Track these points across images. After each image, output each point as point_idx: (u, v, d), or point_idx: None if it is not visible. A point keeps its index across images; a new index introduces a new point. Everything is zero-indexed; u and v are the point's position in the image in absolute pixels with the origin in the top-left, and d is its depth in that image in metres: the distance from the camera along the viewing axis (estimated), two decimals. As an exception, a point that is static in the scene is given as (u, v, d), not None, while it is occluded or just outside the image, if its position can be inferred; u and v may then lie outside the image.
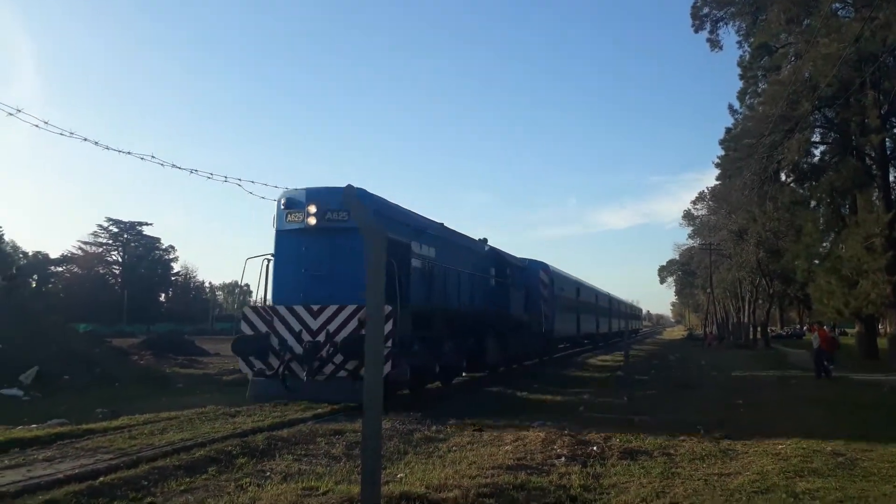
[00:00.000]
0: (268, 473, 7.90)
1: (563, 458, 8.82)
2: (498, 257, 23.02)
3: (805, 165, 38.28)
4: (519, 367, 26.37)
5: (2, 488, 6.98)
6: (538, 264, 28.43)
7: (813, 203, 40.74)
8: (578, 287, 38.71)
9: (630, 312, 71.83)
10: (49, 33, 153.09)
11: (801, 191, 40.99)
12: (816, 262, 36.96)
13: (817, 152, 39.32)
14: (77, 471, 7.89)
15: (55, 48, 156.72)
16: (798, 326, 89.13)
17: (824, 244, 38.54)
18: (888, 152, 33.22)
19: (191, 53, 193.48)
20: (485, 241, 22.12)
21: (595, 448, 9.53)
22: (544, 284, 27.94)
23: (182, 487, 7.12)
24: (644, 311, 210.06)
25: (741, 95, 43.52)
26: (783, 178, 40.19)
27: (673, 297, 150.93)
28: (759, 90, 40.31)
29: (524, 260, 27.29)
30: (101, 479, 7.38)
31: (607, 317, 52.88)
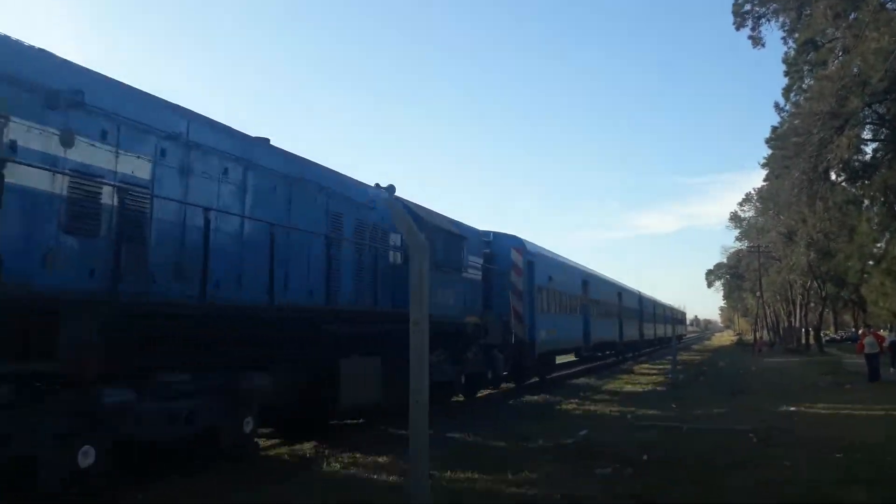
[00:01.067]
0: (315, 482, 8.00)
1: (608, 468, 8.74)
2: (416, 220, 12.56)
3: (856, 163, 37.17)
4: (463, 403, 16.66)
5: None
6: (508, 240, 19.97)
7: (866, 202, 39.54)
8: (586, 280, 29.47)
9: (670, 316, 62.26)
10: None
11: (853, 190, 39.79)
12: (871, 262, 35.84)
13: (869, 149, 38.15)
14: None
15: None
16: (853, 330, 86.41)
17: (878, 244, 37.38)
18: (944, 148, 32.02)
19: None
20: (390, 189, 13.06)
21: (645, 457, 9.40)
22: (517, 270, 19.53)
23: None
24: (692, 317, 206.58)
25: (786, 92, 42.60)
26: (833, 176, 39.04)
27: (721, 302, 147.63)
28: (805, 86, 39.40)
29: (484, 232, 18.93)
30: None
31: (636, 320, 43.35)
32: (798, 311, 64.12)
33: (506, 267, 19.18)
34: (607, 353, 36.22)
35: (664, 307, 63.12)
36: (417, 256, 5.40)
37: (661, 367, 33.04)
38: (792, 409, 15.41)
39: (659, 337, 55.86)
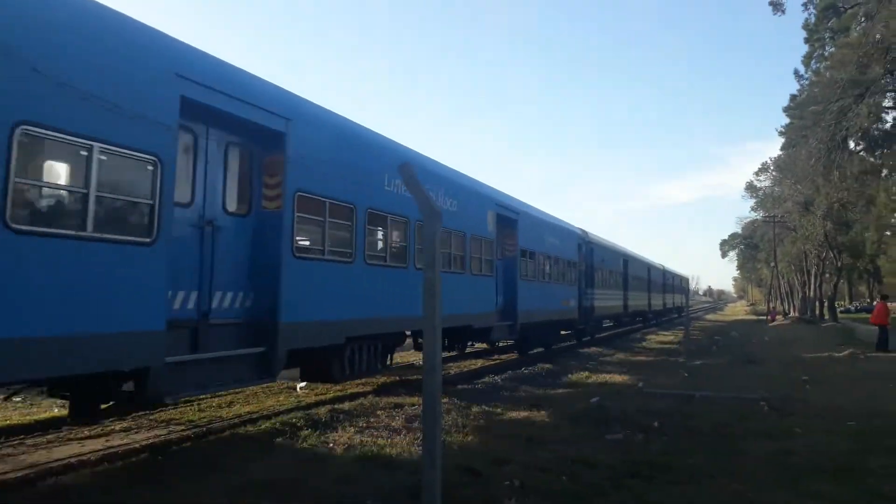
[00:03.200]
0: (331, 444, 8.11)
1: (620, 435, 8.79)
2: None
3: (876, 132, 36.61)
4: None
5: (84, 456, 7.38)
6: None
7: (885, 172, 38.99)
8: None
9: (674, 284, 57.55)
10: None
11: (872, 159, 39.24)
12: (888, 233, 35.43)
13: (889, 118, 37.50)
14: (152, 441, 8.27)
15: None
16: (868, 301, 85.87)
17: (897, 215, 36.89)
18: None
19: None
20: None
21: (656, 424, 9.43)
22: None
23: (249, 458, 7.38)
24: (705, 287, 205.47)
25: (807, 60, 41.91)
26: (852, 146, 38.49)
27: (735, 272, 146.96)
28: (827, 54, 38.66)
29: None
30: (174, 448, 7.71)
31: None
32: (813, 281, 63.67)
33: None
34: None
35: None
36: (430, 223, 5.39)
37: (672, 336, 33.02)
38: (805, 377, 15.39)
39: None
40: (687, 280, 64.13)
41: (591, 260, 27.12)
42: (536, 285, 19.61)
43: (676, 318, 56.32)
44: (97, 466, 7.00)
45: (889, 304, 24.76)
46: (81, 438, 8.46)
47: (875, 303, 29.45)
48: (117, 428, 9.10)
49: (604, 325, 33.65)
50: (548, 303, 20.96)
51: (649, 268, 45.97)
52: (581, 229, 26.57)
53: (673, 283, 58.44)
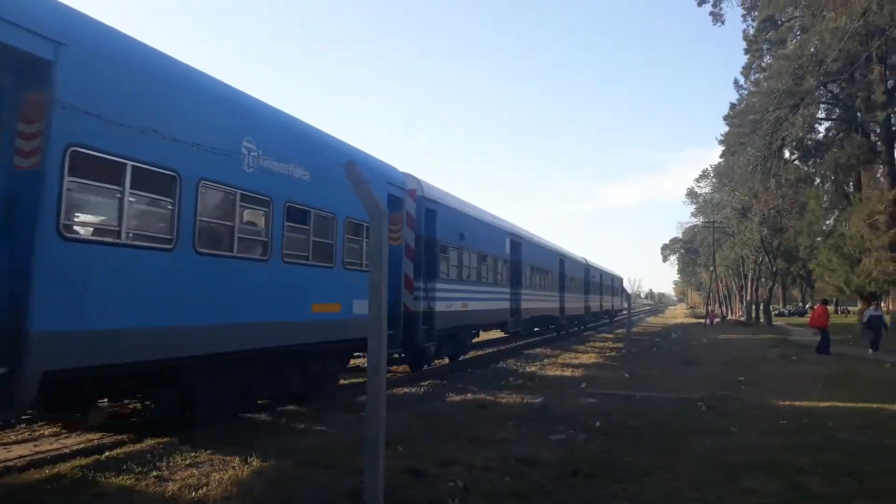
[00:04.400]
0: (275, 447, 7.95)
1: (563, 434, 8.88)
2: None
3: (809, 142, 38.15)
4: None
5: (9, 462, 7.04)
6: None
7: (817, 180, 40.69)
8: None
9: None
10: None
11: (806, 168, 40.90)
12: (819, 239, 36.95)
13: (822, 128, 39.20)
14: (83, 445, 7.95)
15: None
16: (801, 304, 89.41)
17: (828, 221, 38.53)
18: (893, 128, 32.99)
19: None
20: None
21: (598, 424, 9.58)
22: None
23: (187, 462, 7.18)
24: (646, 290, 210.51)
25: (746, 70, 43.32)
26: (787, 154, 40.04)
27: (675, 276, 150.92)
28: (765, 65, 40.03)
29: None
30: (107, 453, 7.43)
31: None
32: (749, 285, 65.97)
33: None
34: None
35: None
36: (377, 222, 5.38)
37: (613, 340, 33.66)
38: (741, 378, 15.88)
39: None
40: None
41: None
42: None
43: (607, 323, 53.66)
44: (22, 474, 6.69)
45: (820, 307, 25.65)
46: None
47: (814, 307, 30.37)
48: (46, 433, 8.73)
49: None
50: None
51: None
52: (408, 174, 16.04)
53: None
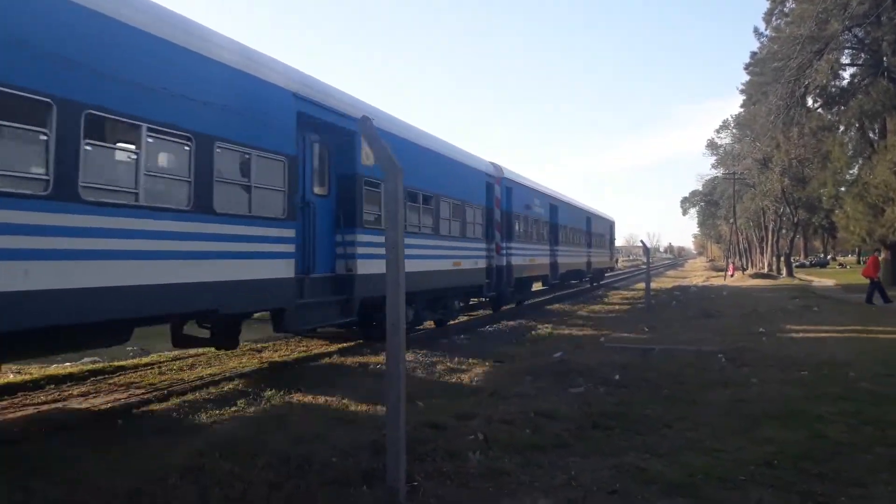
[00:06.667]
0: (295, 404, 8.10)
1: (582, 387, 8.94)
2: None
3: (833, 89, 37.14)
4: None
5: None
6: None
7: (841, 128, 39.72)
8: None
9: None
10: None
11: (829, 116, 39.92)
12: (843, 189, 36.31)
13: (846, 75, 38.06)
14: (111, 404, 8.16)
15: None
16: (822, 255, 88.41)
17: (851, 171, 37.77)
18: (921, 73, 31.99)
19: None
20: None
21: (617, 377, 9.61)
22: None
23: (212, 420, 7.33)
24: (665, 244, 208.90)
25: (767, 17, 42.12)
26: (810, 102, 39.08)
27: (695, 230, 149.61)
28: (787, 10, 38.87)
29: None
30: (134, 411, 7.61)
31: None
32: (770, 237, 65.25)
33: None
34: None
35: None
36: (393, 179, 5.32)
37: (635, 292, 33.61)
38: (761, 329, 15.82)
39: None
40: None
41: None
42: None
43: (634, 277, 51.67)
44: (55, 431, 6.88)
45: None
46: (38, 403, 8.31)
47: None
48: (75, 392, 8.95)
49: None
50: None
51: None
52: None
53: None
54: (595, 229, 37.23)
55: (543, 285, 28.96)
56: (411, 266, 12.16)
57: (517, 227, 21.52)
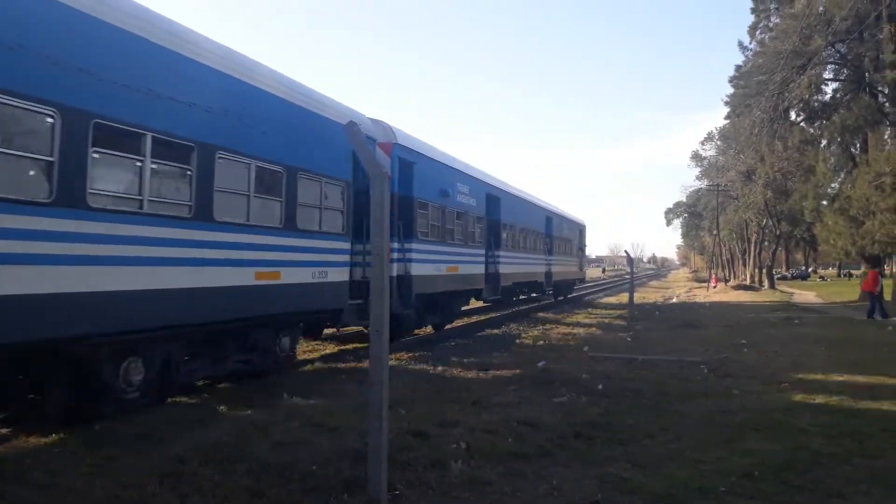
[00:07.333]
0: (277, 410, 8.02)
1: (565, 397, 8.94)
2: None
3: (816, 103, 37.62)
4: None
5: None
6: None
7: (823, 142, 40.19)
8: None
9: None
10: None
11: (812, 130, 40.40)
12: (825, 202, 36.70)
13: (829, 89, 38.62)
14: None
15: None
16: (803, 268, 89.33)
17: (833, 184, 38.19)
18: (902, 89, 32.49)
19: None
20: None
21: (600, 387, 9.63)
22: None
23: (193, 425, 7.24)
24: (649, 254, 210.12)
25: (752, 31, 42.62)
26: (793, 116, 39.59)
27: (679, 240, 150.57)
28: (772, 25, 39.37)
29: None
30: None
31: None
32: (752, 249, 65.86)
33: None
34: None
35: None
36: (378, 185, 5.30)
37: (615, 304, 33.74)
38: (743, 341, 15.93)
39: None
40: (580, 225, 38.69)
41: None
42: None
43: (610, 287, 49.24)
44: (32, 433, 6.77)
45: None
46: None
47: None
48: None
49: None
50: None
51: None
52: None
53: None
54: (558, 232, 31.02)
55: (480, 301, 23.02)
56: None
57: (423, 221, 15.70)
